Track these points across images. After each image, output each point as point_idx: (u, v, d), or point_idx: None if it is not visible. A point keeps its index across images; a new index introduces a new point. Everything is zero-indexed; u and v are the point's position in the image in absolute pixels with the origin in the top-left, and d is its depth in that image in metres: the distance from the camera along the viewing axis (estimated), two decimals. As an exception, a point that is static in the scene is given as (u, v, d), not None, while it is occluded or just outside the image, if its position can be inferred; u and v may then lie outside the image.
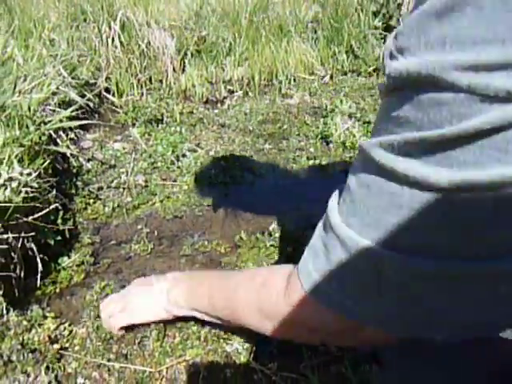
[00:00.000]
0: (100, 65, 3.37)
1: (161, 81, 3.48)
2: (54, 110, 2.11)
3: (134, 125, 2.89)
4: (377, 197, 0.55)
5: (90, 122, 2.81)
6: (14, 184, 1.27)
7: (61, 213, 1.67)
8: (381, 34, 3.84)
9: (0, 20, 2.68)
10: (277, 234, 1.83)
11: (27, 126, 1.57)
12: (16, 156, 1.42)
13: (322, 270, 0.66)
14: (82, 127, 2.80)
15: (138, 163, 2.37)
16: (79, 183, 2.14)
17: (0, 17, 2.74)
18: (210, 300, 1.09)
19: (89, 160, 2.37)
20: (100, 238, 1.89)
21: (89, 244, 1.84)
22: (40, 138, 1.63)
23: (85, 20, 3.45)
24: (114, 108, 3.12)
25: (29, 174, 1.39)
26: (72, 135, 2.59)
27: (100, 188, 2.17)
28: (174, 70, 3.59)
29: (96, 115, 3.05)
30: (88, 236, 1.87)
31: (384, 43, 3.82)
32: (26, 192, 1.35)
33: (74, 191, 2.08)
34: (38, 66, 2.21)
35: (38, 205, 1.39)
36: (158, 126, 2.82)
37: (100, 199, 2.10)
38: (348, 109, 2.84)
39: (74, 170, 2.24)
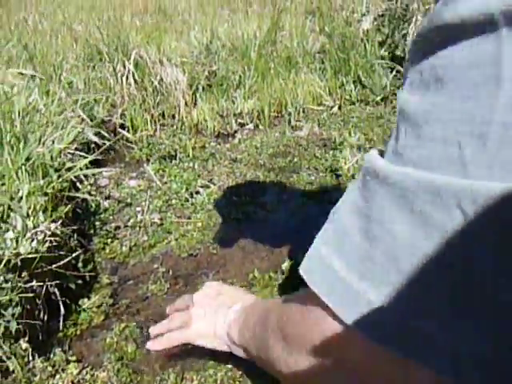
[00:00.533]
0: (115, 102, 3.50)
1: (173, 115, 3.59)
2: (73, 154, 2.20)
3: (148, 161, 2.99)
4: None
5: (106, 159, 2.93)
6: (40, 236, 1.34)
7: (81, 256, 1.73)
8: (387, 63, 3.92)
9: (24, 67, 2.82)
10: (289, 273, 1.87)
11: (50, 175, 1.66)
12: (41, 206, 1.49)
13: (360, 264, 0.44)
14: (99, 164, 2.91)
15: (153, 201, 2.44)
16: (97, 223, 2.22)
17: (23, 65, 2.89)
18: (254, 341, 0.92)
19: (106, 199, 2.45)
20: (118, 277, 1.96)
21: (107, 284, 1.90)
22: (62, 185, 1.71)
23: (100, 60, 3.60)
24: (128, 144, 3.23)
25: (53, 221, 1.47)
26: (90, 174, 2.69)
27: (117, 227, 2.24)
28: (186, 104, 3.71)
29: (112, 152, 3.16)
30: (106, 276, 1.93)
31: (391, 73, 3.90)
32: (51, 241, 1.42)
33: (92, 231, 2.15)
34: (59, 111, 2.31)
35: (61, 253, 1.46)
36: (171, 162, 2.91)
37: (117, 238, 2.17)
38: (356, 141, 2.90)
39: (93, 209, 2.32)
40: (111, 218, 2.34)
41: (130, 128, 3.41)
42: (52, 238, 1.42)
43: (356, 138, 2.93)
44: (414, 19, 3.80)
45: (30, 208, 1.45)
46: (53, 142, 1.85)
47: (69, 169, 1.83)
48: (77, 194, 1.84)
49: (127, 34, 3.76)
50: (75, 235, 1.73)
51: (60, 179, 1.67)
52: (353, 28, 4.23)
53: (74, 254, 1.46)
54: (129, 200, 2.48)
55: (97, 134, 3.01)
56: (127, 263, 2.05)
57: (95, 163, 2.84)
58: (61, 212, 1.57)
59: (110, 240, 2.15)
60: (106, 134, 3.06)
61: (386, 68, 3.92)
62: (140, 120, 3.45)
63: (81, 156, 2.31)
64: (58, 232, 1.50)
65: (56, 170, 1.70)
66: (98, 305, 1.76)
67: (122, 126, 3.45)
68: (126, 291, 1.89)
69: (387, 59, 3.95)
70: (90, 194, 2.15)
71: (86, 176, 2.61)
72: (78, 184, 2.15)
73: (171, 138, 3.13)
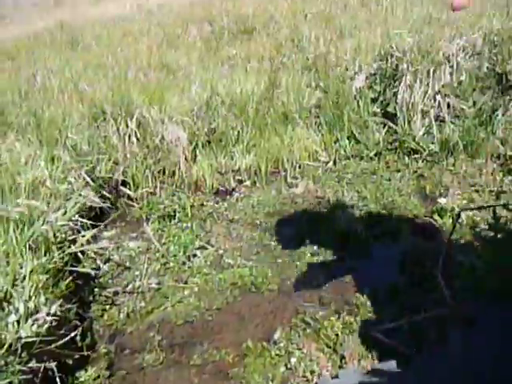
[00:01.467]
0: (117, 160, 3.63)
1: (174, 172, 3.70)
2: (76, 223, 2.30)
3: (148, 220, 3.08)
4: None
5: (107, 218, 3.02)
6: (41, 320, 1.41)
7: (79, 329, 1.79)
8: (380, 119, 4.06)
9: (32, 135, 2.97)
10: (281, 344, 1.92)
11: (52, 251, 1.74)
12: (43, 285, 1.57)
13: None
14: (100, 222, 3.00)
15: (152, 265, 2.52)
16: (96, 289, 2.29)
17: (31, 132, 3.04)
18: None
19: (106, 262, 2.53)
20: (115, 346, 2.01)
21: (104, 354, 1.95)
22: (64, 259, 1.79)
23: (104, 119, 3.76)
24: (129, 202, 3.33)
25: (54, 300, 1.53)
26: (91, 234, 2.77)
27: (116, 293, 2.30)
28: (186, 159, 3.84)
29: (113, 209, 3.26)
30: (104, 346, 1.98)
31: (383, 128, 4.04)
32: (51, 322, 1.48)
33: (91, 298, 2.22)
34: (63, 177, 2.42)
35: (60, 332, 1.52)
36: (170, 222, 3.00)
37: (116, 305, 2.23)
38: (350, 201, 3.00)
39: (93, 273, 2.39)
40: (110, 282, 2.41)
41: (132, 185, 3.52)
42: (52, 318, 1.48)
43: (349, 197, 3.03)
44: (403, 78, 3.98)
45: (32, 286, 1.53)
46: (56, 219, 1.95)
47: (72, 241, 1.92)
48: (78, 269, 1.91)
49: (130, 94, 3.93)
50: (74, 308, 1.79)
51: (61, 255, 1.75)
52: (346, 85, 4.40)
53: (72, 334, 1.52)
54: (128, 263, 2.56)
55: (98, 194, 3.13)
56: (124, 331, 2.10)
57: (97, 221, 2.95)
58: (61, 289, 1.64)
59: (108, 306, 2.21)
60: (107, 194, 3.18)
61: (378, 124, 4.06)
62: (141, 177, 3.57)
63: (82, 224, 2.40)
64: (59, 312, 1.57)
65: (58, 246, 1.79)
66: (94, 377, 1.81)
67: (124, 183, 3.57)
68: (123, 361, 1.93)
69: (379, 115, 4.10)
70: (88, 256, 2.22)
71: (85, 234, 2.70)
72: (79, 254, 2.22)
73: (171, 197, 3.24)
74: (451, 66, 3.86)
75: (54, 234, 1.86)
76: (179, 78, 5.24)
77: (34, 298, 1.48)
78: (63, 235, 2.02)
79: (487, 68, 3.82)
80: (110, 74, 5.02)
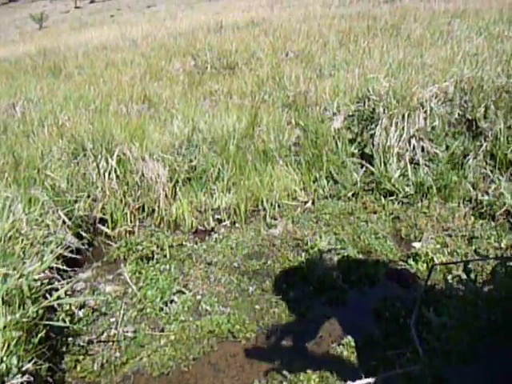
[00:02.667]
0: (96, 197, 3.61)
1: (153, 210, 3.70)
2: (52, 271, 2.27)
3: (125, 260, 3.06)
4: None
5: (84, 258, 2.98)
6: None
7: (51, 386, 1.75)
8: (357, 160, 4.17)
9: (9, 175, 2.94)
10: (258, 399, 1.91)
11: (27, 306, 1.71)
12: (15, 342, 1.54)
13: None
14: (75, 264, 2.97)
15: (128, 311, 2.49)
16: (70, 338, 2.24)
17: (9, 172, 3.01)
18: None
19: (81, 308, 2.49)
20: (88, 401, 1.96)
21: (76, 410, 1.90)
22: (38, 312, 1.77)
23: (84, 155, 3.76)
24: (107, 241, 3.31)
25: (26, 356, 1.50)
26: (67, 276, 2.74)
27: (90, 342, 2.26)
28: (166, 197, 3.85)
29: (90, 249, 3.23)
30: (76, 401, 1.94)
31: (361, 168, 4.14)
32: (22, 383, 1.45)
33: (64, 348, 2.17)
34: (40, 220, 2.40)
35: (31, 394, 1.49)
36: (148, 263, 2.98)
37: (90, 355, 2.19)
38: (327, 245, 3.05)
39: (67, 320, 2.34)
40: (85, 329, 2.36)
41: (110, 222, 3.50)
42: (26, 380, 1.46)
43: (326, 241, 3.08)
44: (380, 122, 4.11)
45: (3, 344, 1.50)
46: (31, 272, 1.93)
47: (48, 291, 1.89)
48: (52, 323, 1.88)
49: (111, 130, 3.95)
50: (46, 364, 1.76)
51: (36, 308, 1.73)
52: (325, 125, 4.52)
53: (43, 396, 1.49)
54: (104, 309, 2.52)
55: (76, 233, 3.10)
56: (98, 383, 2.06)
57: (74, 259, 2.92)
58: (35, 344, 1.61)
59: (81, 357, 2.17)
60: (84, 234, 3.15)
61: (356, 165, 4.17)
62: (120, 214, 3.56)
63: (59, 269, 2.37)
64: (31, 368, 1.54)
65: (34, 298, 1.76)
66: None
67: (102, 220, 3.55)
68: (95, 418, 1.89)
69: (357, 156, 4.21)
70: (64, 320, 2.17)
71: (61, 275, 2.67)
72: (55, 304, 2.19)
73: (149, 238, 3.22)
74: (425, 112, 4.02)
75: (30, 287, 1.84)
76: (161, 111, 5.28)
77: (5, 357, 1.44)
78: (39, 286, 1.99)
79: (458, 114, 3.99)
80: (92, 106, 5.04)
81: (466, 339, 1.76)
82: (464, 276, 2.10)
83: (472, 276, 2.05)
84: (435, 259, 2.86)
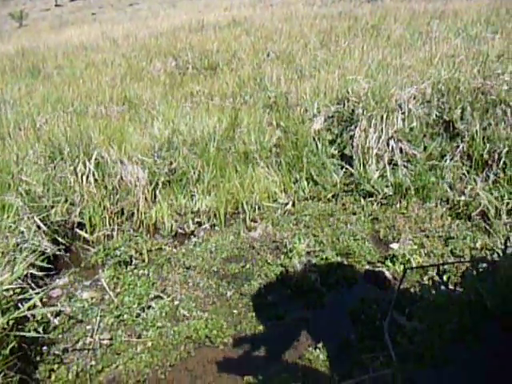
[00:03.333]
0: (74, 201, 3.56)
1: (132, 214, 3.67)
2: (26, 279, 2.23)
3: (103, 265, 3.03)
4: None
5: (61, 263, 2.94)
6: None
7: (23, 398, 1.72)
8: (337, 162, 4.20)
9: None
10: (233, 405, 1.92)
11: (-4, 317, 1.68)
12: (-18, 356, 1.51)
13: None
14: (53, 267, 2.93)
15: (105, 317, 2.47)
16: (45, 347, 2.21)
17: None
18: None
19: (56, 315, 2.45)
20: (61, 411, 1.94)
21: (50, 421, 1.88)
22: (8, 323, 1.74)
23: (62, 159, 3.70)
24: (85, 246, 3.27)
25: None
26: (42, 283, 2.70)
27: (65, 350, 2.24)
28: (145, 200, 3.82)
29: (67, 254, 3.19)
30: (49, 411, 1.91)
31: (341, 169, 4.17)
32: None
33: (39, 357, 2.14)
34: (14, 227, 2.36)
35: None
36: (126, 268, 2.96)
37: (64, 364, 2.16)
38: (306, 247, 3.06)
39: (41, 328, 2.31)
40: (60, 337, 2.33)
41: (88, 227, 3.46)
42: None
43: (305, 243, 3.09)
44: (359, 123, 4.14)
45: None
46: (1, 282, 1.89)
47: (20, 300, 1.86)
48: (24, 334, 1.86)
49: (89, 133, 3.90)
50: (18, 376, 1.73)
51: (6, 319, 1.70)
52: (305, 126, 4.54)
53: (12, 410, 1.46)
54: (80, 316, 2.49)
55: (52, 239, 3.06)
56: (72, 393, 2.04)
57: (50, 265, 2.88)
58: (5, 355, 1.59)
59: (56, 366, 2.14)
60: (61, 240, 3.11)
61: (336, 166, 4.19)
62: (98, 219, 3.52)
63: (34, 275, 2.33)
64: (0, 381, 1.51)
65: (4, 309, 1.73)
66: None
67: (80, 225, 3.50)
68: (69, 429, 1.87)
69: (337, 158, 4.24)
70: (37, 330, 2.14)
71: (36, 282, 2.63)
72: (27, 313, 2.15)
73: (128, 242, 3.19)
74: (403, 113, 4.07)
75: (-1, 298, 1.81)
76: (141, 113, 5.24)
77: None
78: (10, 296, 1.96)
79: (436, 115, 4.04)
80: (70, 108, 4.97)
81: (436, 343, 1.79)
82: (438, 278, 2.13)
83: (445, 278, 2.08)
84: (412, 260, 2.90)
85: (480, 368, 1.67)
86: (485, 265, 2.13)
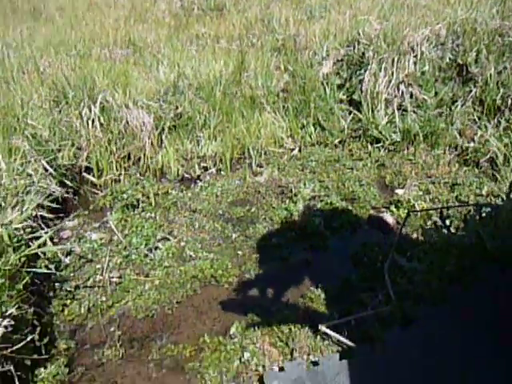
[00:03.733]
0: (81, 145, 3.57)
1: (139, 158, 3.68)
2: (36, 219, 2.29)
3: (111, 208, 3.08)
4: None
5: (70, 206, 3.00)
6: (-5, 326, 1.44)
7: (38, 329, 1.82)
8: (345, 107, 4.12)
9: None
10: (237, 338, 2.01)
11: (8, 253, 1.75)
12: (-3, 288, 1.58)
13: None
14: (62, 211, 3.00)
15: (114, 257, 2.55)
16: (57, 284, 2.31)
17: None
18: None
19: (67, 255, 2.54)
20: (75, 342, 2.05)
21: (64, 350, 1.99)
22: (20, 260, 1.81)
23: (67, 103, 3.67)
24: (93, 190, 3.32)
25: (10, 300, 1.56)
26: (52, 224, 2.78)
27: (77, 287, 2.33)
28: (151, 144, 3.82)
29: (76, 197, 3.24)
30: (64, 342, 2.03)
31: (349, 115, 4.10)
32: (5, 327, 1.51)
33: (51, 293, 2.24)
34: (21, 169, 2.39)
35: (16, 336, 1.55)
36: (134, 211, 3.02)
37: (76, 299, 2.26)
38: (311, 192, 3.08)
39: (53, 266, 2.40)
40: (72, 275, 2.43)
41: (96, 171, 3.49)
42: (8, 323, 1.51)
43: (311, 188, 3.11)
44: (369, 67, 4.01)
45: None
46: (11, 221, 1.94)
47: (31, 239, 1.92)
48: (35, 270, 1.93)
49: (93, 77, 3.84)
50: (32, 308, 1.82)
51: (17, 256, 1.76)
52: (314, 70, 4.41)
53: (28, 338, 1.55)
54: (90, 256, 2.57)
55: (60, 182, 3.10)
56: (85, 326, 2.15)
57: (59, 210, 2.95)
58: (19, 289, 1.66)
59: (69, 301, 2.24)
60: (69, 183, 3.16)
61: (344, 111, 4.12)
62: (105, 163, 3.54)
63: (43, 216, 2.39)
64: (15, 312, 1.59)
65: (16, 247, 1.80)
66: (54, 374, 1.86)
67: (88, 169, 3.54)
68: (82, 357, 1.99)
69: (345, 103, 4.15)
70: (47, 267, 2.22)
71: (47, 225, 2.71)
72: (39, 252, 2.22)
73: (134, 186, 3.23)
74: (415, 56, 3.92)
75: (10, 235, 1.86)
76: (146, 56, 5.12)
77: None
78: (21, 235, 2.02)
79: (449, 59, 3.90)
80: (74, 51, 4.86)
81: (434, 283, 1.83)
82: (440, 222, 2.14)
83: (447, 222, 2.09)
84: (416, 206, 2.91)
85: (477, 306, 1.72)
86: (488, 209, 2.13)
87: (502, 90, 3.59)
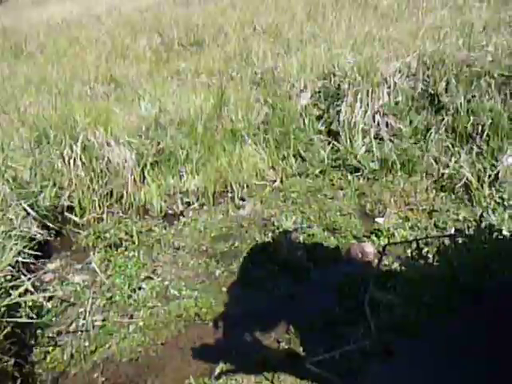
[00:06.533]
0: (63, 185, 3.58)
1: (121, 195, 3.69)
2: (16, 266, 2.28)
3: (94, 248, 3.08)
4: None
5: (53, 247, 2.99)
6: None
7: (18, 380, 1.80)
8: (324, 137, 4.21)
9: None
10: (221, 379, 2.00)
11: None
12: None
13: None
14: (45, 253, 2.98)
15: (97, 299, 2.53)
16: (39, 331, 2.28)
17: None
18: None
19: (49, 299, 2.52)
20: (58, 390, 2.02)
21: (47, 400, 1.96)
22: (0, 309, 1.79)
23: (48, 143, 3.69)
24: (75, 230, 3.31)
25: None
26: (34, 268, 2.76)
27: (59, 332, 2.31)
28: (134, 181, 3.84)
29: (58, 238, 3.23)
30: (46, 391, 1.99)
31: (328, 145, 4.19)
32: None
33: (33, 341, 2.21)
34: (1, 212, 2.39)
35: (-5, 391, 1.53)
36: (117, 250, 3.01)
37: (59, 346, 2.24)
38: (293, 224, 3.13)
39: (35, 312, 2.37)
40: (54, 320, 2.40)
41: (78, 210, 3.49)
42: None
43: (293, 220, 3.15)
44: (345, 98, 4.14)
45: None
46: (-9, 271, 1.94)
47: (12, 287, 1.91)
48: (16, 320, 1.91)
49: (75, 116, 3.87)
50: (12, 360, 1.80)
51: (-2, 306, 1.75)
52: (292, 102, 4.52)
53: (8, 392, 1.53)
54: (72, 299, 2.55)
55: (43, 225, 3.09)
56: (68, 373, 2.12)
57: (41, 250, 2.93)
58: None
59: (51, 348, 2.21)
60: (51, 225, 3.15)
61: (323, 142, 4.22)
62: (88, 202, 3.54)
63: (25, 261, 2.38)
64: (-6, 366, 1.57)
65: (-6, 297, 1.78)
66: (35, 426, 1.82)
67: (70, 209, 3.53)
68: (65, 407, 1.96)
69: (324, 133, 4.26)
70: (29, 316, 2.20)
71: (27, 267, 2.68)
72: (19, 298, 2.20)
73: (118, 225, 3.23)
74: (389, 87, 4.07)
75: (-10, 285, 1.85)
76: (127, 92, 5.19)
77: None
78: (2, 284, 2.01)
79: (421, 89, 4.05)
80: (55, 90, 4.91)
81: (412, 315, 1.87)
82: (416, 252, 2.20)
83: (424, 252, 2.15)
84: (396, 234, 2.97)
85: (451, 339, 1.76)
86: (463, 238, 2.20)
87: (472, 118, 3.73)
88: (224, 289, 2.63)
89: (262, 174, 4.01)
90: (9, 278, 2.17)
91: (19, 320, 2.03)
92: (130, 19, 8.01)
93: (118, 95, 5.15)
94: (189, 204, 3.63)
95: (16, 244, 2.33)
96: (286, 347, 2.15)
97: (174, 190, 3.75)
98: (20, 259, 2.46)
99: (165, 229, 3.28)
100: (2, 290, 1.98)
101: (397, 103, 4.03)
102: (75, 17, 9.01)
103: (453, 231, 2.77)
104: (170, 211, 3.54)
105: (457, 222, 3.06)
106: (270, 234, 3.11)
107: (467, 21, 4.76)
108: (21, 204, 2.77)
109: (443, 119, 3.91)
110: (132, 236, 3.14)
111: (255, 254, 2.93)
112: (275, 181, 3.96)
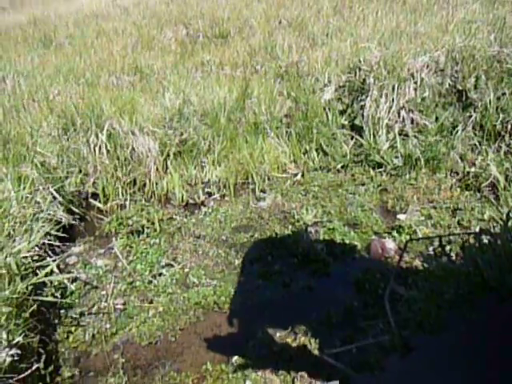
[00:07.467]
0: (88, 171, 3.65)
1: (144, 184, 3.75)
2: (43, 247, 2.34)
3: (116, 234, 3.14)
4: None
5: (77, 232, 3.06)
6: (2, 355, 1.47)
7: (43, 357, 1.85)
8: (347, 132, 4.18)
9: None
10: (239, 367, 2.02)
11: (16, 282, 1.79)
12: (5, 317, 1.63)
13: None
14: (69, 238, 3.05)
15: (118, 284, 2.58)
16: (63, 310, 2.34)
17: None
18: None
19: (73, 281, 2.58)
20: (79, 369, 2.08)
21: (68, 378, 2.02)
22: (27, 288, 1.85)
23: (75, 130, 3.77)
24: (99, 215, 3.38)
25: (14, 342, 1.59)
26: (59, 251, 2.83)
27: (82, 314, 2.37)
28: (157, 170, 3.89)
29: (82, 223, 3.30)
30: (68, 369, 2.05)
31: (351, 140, 4.16)
32: (12, 356, 1.55)
33: (57, 320, 2.28)
34: (30, 198, 2.46)
35: (23, 365, 1.58)
36: (139, 237, 3.06)
37: (81, 326, 2.30)
38: (314, 218, 3.12)
39: (59, 293, 2.43)
40: (77, 301, 2.46)
41: (102, 197, 3.56)
42: (15, 353, 1.55)
43: (313, 214, 3.14)
44: (370, 93, 4.10)
45: (-6, 320, 1.58)
46: (19, 250, 2.00)
47: (38, 267, 1.97)
48: (42, 298, 1.97)
49: (101, 105, 3.94)
50: (38, 336, 1.85)
51: (25, 285, 1.81)
52: (316, 96, 4.50)
53: (33, 367, 1.58)
54: (95, 282, 2.61)
55: (68, 209, 3.16)
56: (89, 353, 2.17)
57: (66, 234, 3.00)
58: (25, 318, 1.70)
59: (73, 328, 2.27)
60: (76, 210, 3.22)
61: (346, 136, 4.18)
62: (111, 189, 3.61)
63: (51, 243, 2.44)
64: (22, 341, 1.63)
65: (23, 275, 1.84)
66: (57, 402, 1.88)
67: (94, 195, 3.60)
68: (86, 385, 2.01)
69: (347, 128, 4.22)
70: (54, 295, 2.26)
71: (53, 250, 2.75)
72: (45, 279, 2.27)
73: (140, 212, 3.28)
74: (415, 82, 4.00)
75: (18, 264, 1.91)
76: (152, 83, 5.24)
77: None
78: (28, 263, 2.07)
79: (449, 85, 3.97)
80: (82, 79, 5.00)
81: (433, 311, 1.85)
82: (440, 249, 2.17)
83: (448, 249, 2.11)
84: (418, 231, 2.93)
85: (473, 336, 1.73)
86: (488, 237, 2.16)
87: (501, 116, 3.64)
88: (243, 278, 2.65)
89: (283, 166, 4.01)
90: (36, 258, 2.24)
91: (45, 299, 2.10)
92: (157, 11, 8.08)
93: (143, 86, 5.21)
94: (210, 194, 3.66)
95: (43, 226, 2.40)
96: (303, 338, 2.15)
97: (196, 180, 3.78)
98: (46, 241, 2.53)
99: (186, 218, 3.32)
100: (30, 269, 2.05)
101: (423, 99, 3.96)
102: (103, 9, 9.13)
103: (477, 230, 2.71)
104: (191, 201, 3.57)
105: (481, 221, 3.00)
106: (289, 227, 3.11)
107: (499, 15, 4.64)
108: (48, 188, 2.84)
109: (471, 116, 3.82)
110: (153, 223, 3.19)
111: (275, 246, 2.93)
112: (296, 174, 3.95)
